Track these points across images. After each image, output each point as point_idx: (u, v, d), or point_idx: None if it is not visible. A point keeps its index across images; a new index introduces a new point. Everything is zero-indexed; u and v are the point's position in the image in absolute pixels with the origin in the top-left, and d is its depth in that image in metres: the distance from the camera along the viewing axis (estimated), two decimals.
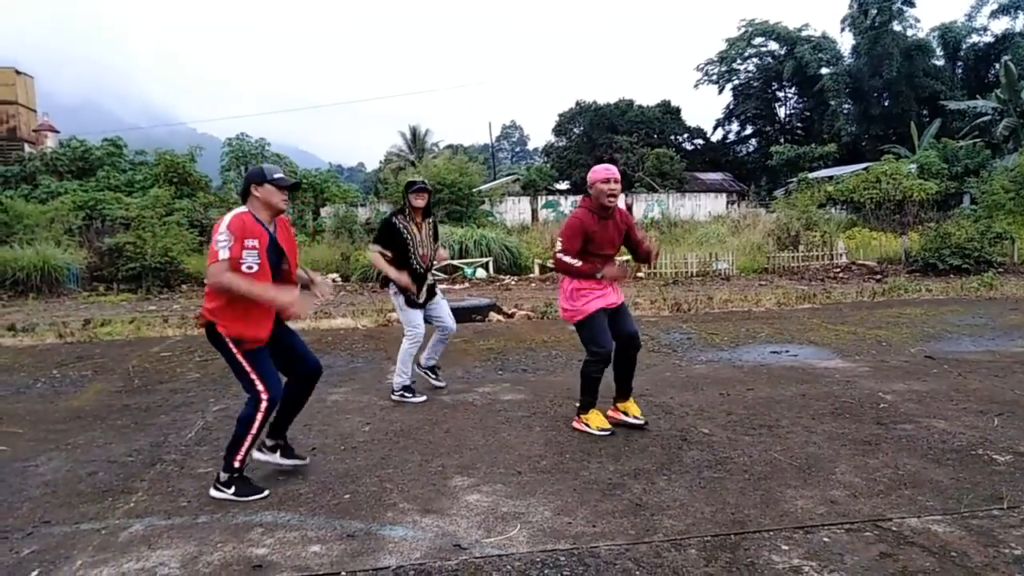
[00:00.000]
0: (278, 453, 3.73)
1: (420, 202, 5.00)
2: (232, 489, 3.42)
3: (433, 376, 5.40)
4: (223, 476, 3.45)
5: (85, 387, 5.79)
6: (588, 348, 4.20)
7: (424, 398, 5.12)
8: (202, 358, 6.77)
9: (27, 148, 24.79)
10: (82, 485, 3.64)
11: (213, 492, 3.44)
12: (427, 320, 5.16)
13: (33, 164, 22.16)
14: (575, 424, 4.35)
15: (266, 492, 3.45)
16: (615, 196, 4.17)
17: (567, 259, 4.15)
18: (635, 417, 4.38)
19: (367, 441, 4.24)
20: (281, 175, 3.47)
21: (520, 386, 5.51)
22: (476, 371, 6.10)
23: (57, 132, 26.29)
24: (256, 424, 3.42)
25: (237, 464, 3.43)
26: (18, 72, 25.95)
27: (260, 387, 3.41)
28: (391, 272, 4.92)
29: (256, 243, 3.33)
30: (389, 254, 4.97)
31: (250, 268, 3.30)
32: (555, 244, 4.26)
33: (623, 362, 4.33)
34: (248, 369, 3.42)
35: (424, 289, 5.08)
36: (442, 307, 5.23)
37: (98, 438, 4.42)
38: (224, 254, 3.23)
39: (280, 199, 3.45)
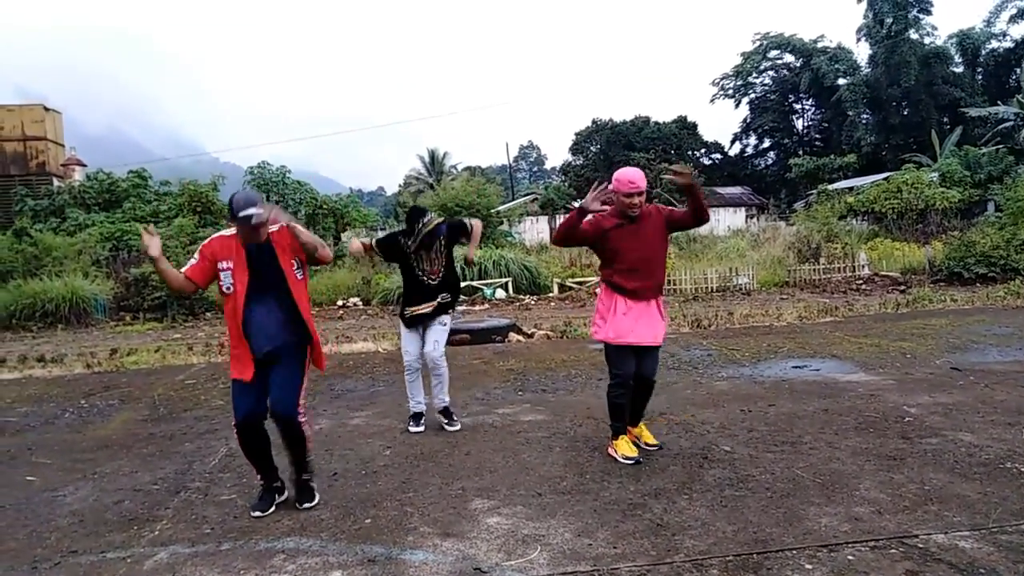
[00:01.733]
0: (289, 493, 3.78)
1: (431, 240, 4.82)
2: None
3: (446, 421, 4.99)
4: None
5: (112, 416, 5.89)
6: (610, 370, 4.14)
7: (421, 428, 4.91)
8: (226, 385, 6.84)
9: (55, 182, 25.45)
10: (108, 514, 3.70)
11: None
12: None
13: (62, 198, 22.72)
14: (608, 450, 4.21)
15: (268, 512, 3.58)
16: (637, 208, 3.93)
17: (557, 238, 4.13)
18: (647, 444, 4.25)
19: (388, 465, 4.26)
20: (248, 212, 3.31)
21: (540, 407, 5.51)
22: (496, 392, 6.11)
23: (84, 165, 26.96)
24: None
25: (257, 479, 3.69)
26: (47, 108, 26.70)
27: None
28: (354, 244, 5.01)
29: (230, 264, 3.45)
30: (367, 242, 5.02)
31: (228, 289, 3.47)
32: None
33: (634, 397, 4.18)
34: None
35: (434, 305, 4.81)
36: (432, 331, 4.86)
37: (124, 467, 4.49)
38: (185, 267, 3.54)
39: (245, 233, 3.40)
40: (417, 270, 4.83)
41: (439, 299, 4.85)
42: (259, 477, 3.69)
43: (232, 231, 3.52)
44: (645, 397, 4.26)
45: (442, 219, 5.00)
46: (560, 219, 28.43)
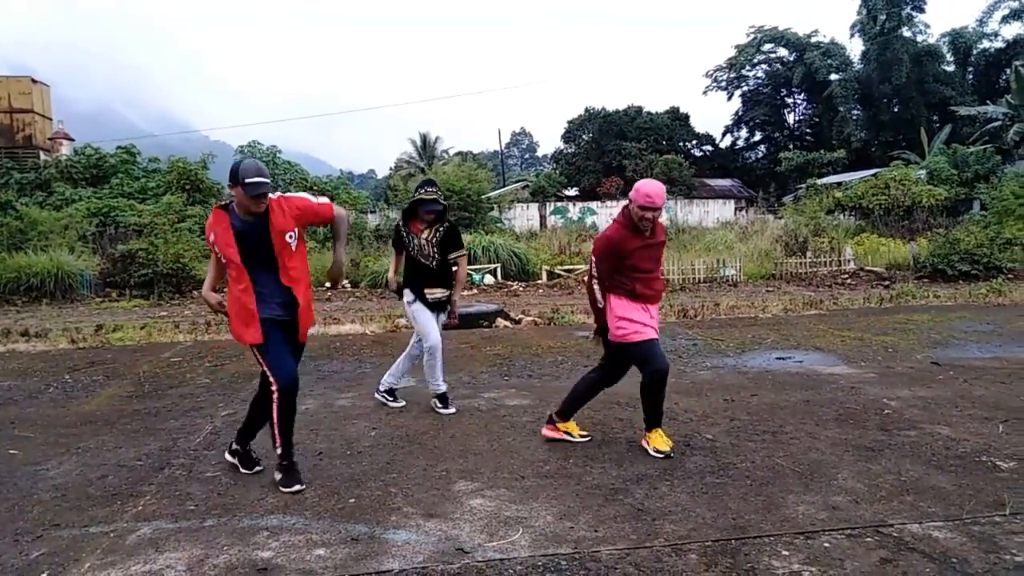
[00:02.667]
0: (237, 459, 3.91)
1: (431, 218, 4.85)
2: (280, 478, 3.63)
3: (442, 406, 4.99)
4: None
5: (96, 392, 5.87)
6: (649, 368, 3.93)
7: (403, 403, 5.14)
8: (212, 364, 6.85)
9: (42, 156, 25.10)
10: (91, 489, 3.70)
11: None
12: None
13: (48, 171, 22.43)
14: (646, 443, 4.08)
15: (297, 487, 3.58)
16: (649, 224, 3.90)
17: (596, 290, 3.98)
18: (655, 449, 4.04)
19: (373, 446, 4.28)
20: (255, 179, 3.34)
21: (525, 392, 5.55)
22: (482, 377, 6.14)
23: (72, 140, 26.61)
24: (276, 419, 3.58)
25: (277, 449, 3.64)
26: (34, 81, 26.29)
27: (271, 377, 3.56)
28: (389, 272, 5.18)
29: (214, 237, 3.49)
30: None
31: (223, 260, 3.52)
32: (589, 263, 4.06)
33: (650, 392, 4.08)
34: (260, 361, 3.61)
35: (446, 293, 4.94)
36: (439, 317, 5.02)
37: (108, 442, 4.48)
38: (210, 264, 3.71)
39: (251, 203, 3.39)
40: (416, 253, 4.86)
41: (443, 290, 4.94)
42: (280, 452, 3.62)
43: (222, 204, 3.53)
44: (662, 391, 4.07)
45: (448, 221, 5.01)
46: (551, 207, 28.44)
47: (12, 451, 4.35)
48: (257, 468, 3.86)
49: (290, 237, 3.49)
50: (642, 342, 3.93)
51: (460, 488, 3.57)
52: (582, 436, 4.27)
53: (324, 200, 3.68)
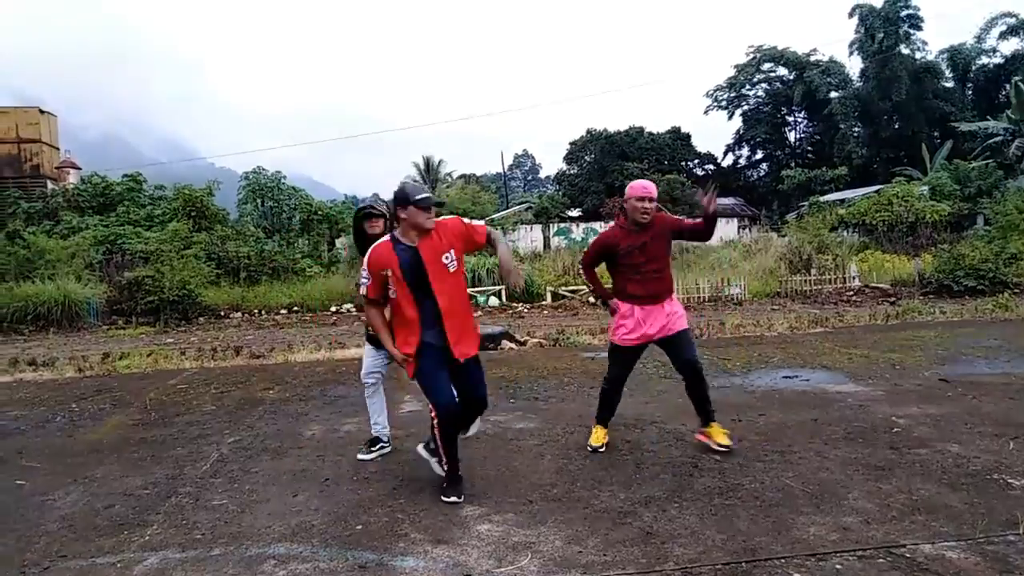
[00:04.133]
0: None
1: (376, 230, 4.39)
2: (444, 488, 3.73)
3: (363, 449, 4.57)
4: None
5: (103, 420, 5.87)
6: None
7: (368, 456, 4.49)
8: (218, 390, 6.85)
9: (49, 185, 25.35)
10: (98, 519, 3.69)
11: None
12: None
13: (55, 200, 22.65)
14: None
15: (455, 499, 3.66)
16: (648, 214, 4.16)
17: (584, 274, 4.42)
18: (719, 444, 4.32)
19: (379, 471, 4.27)
20: (423, 195, 3.50)
21: (532, 414, 5.53)
22: (488, 399, 6.11)
23: (79, 169, 26.87)
24: (438, 437, 3.67)
25: (443, 468, 3.77)
26: (42, 111, 26.64)
27: (430, 403, 3.67)
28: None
29: (388, 273, 3.53)
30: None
31: (393, 295, 3.60)
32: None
33: (689, 389, 4.39)
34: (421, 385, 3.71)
35: None
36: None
37: (115, 471, 4.48)
38: (363, 290, 3.67)
39: (424, 218, 3.49)
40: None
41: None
42: (445, 465, 3.76)
43: (385, 239, 3.60)
44: (698, 386, 4.36)
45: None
46: (554, 228, 28.54)
47: (19, 481, 4.35)
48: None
49: (447, 258, 3.55)
50: (612, 345, 4.37)
51: (467, 513, 3.55)
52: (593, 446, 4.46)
53: (479, 223, 3.72)
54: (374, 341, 4.42)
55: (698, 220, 4.25)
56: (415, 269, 3.52)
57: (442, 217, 3.67)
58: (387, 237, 3.64)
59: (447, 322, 3.57)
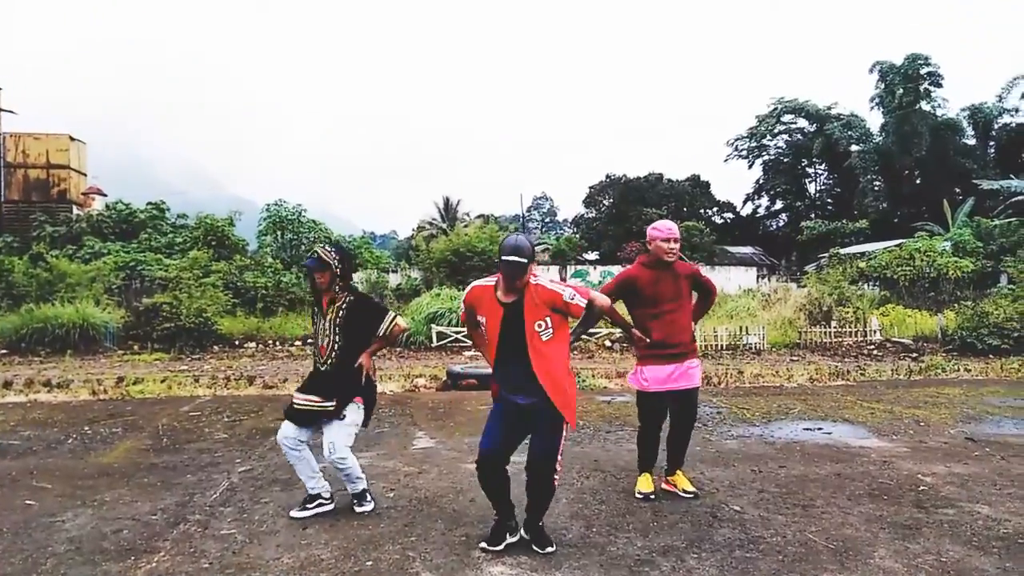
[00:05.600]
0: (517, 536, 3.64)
1: (322, 283, 3.96)
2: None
3: (356, 502, 4.14)
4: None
5: (115, 444, 5.85)
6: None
7: (304, 514, 4.00)
8: (230, 419, 6.83)
9: (75, 210, 25.90)
10: (106, 542, 3.64)
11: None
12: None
13: (79, 225, 23.09)
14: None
15: (497, 548, 3.52)
16: (672, 254, 4.24)
17: (605, 297, 4.07)
18: (685, 490, 4.39)
19: (391, 507, 4.19)
20: (507, 257, 3.29)
21: None
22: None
23: (105, 195, 27.49)
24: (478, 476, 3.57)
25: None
26: (72, 138, 27.40)
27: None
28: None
29: (483, 320, 3.51)
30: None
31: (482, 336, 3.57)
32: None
33: (675, 437, 4.45)
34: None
35: (308, 392, 3.99)
36: (325, 430, 3.97)
37: (124, 495, 4.44)
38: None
39: (505, 279, 3.37)
40: (313, 341, 4.08)
41: (322, 395, 3.94)
42: (495, 512, 3.63)
43: (492, 279, 3.53)
44: (685, 438, 4.46)
45: (357, 292, 4.12)
46: (571, 270, 28.57)
47: (29, 501, 4.32)
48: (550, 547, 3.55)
49: (539, 327, 3.38)
50: (638, 393, 4.41)
51: (479, 554, 3.47)
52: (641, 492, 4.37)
53: (578, 302, 3.42)
54: (296, 417, 3.97)
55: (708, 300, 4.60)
56: (511, 325, 3.40)
57: (543, 282, 3.43)
58: (491, 280, 3.51)
59: (541, 383, 3.40)
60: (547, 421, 3.47)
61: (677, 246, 4.26)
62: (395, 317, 4.08)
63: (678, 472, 4.47)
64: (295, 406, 3.98)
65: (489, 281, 3.53)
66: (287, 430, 3.98)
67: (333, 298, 3.97)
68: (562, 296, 3.40)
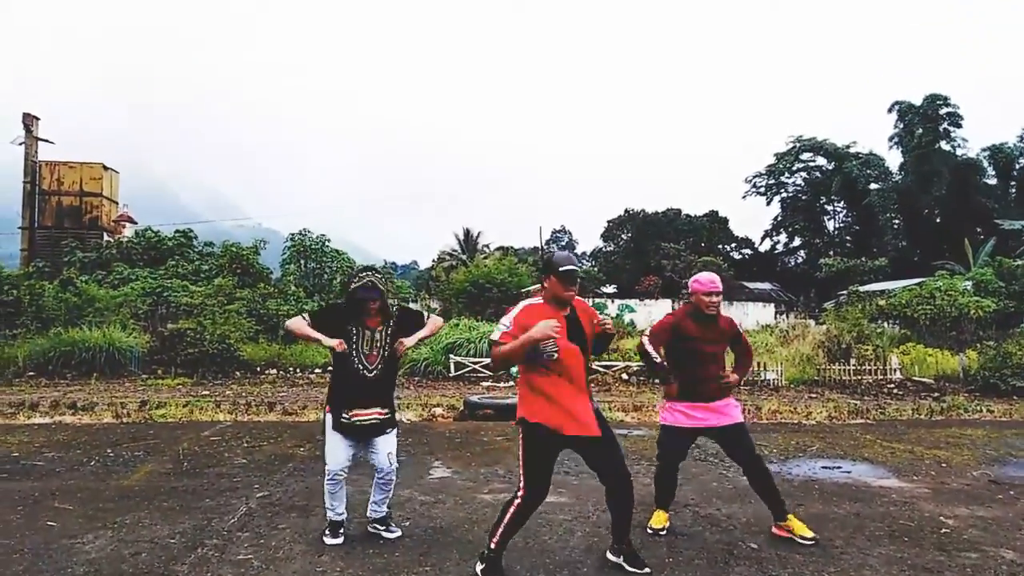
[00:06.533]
0: (621, 557, 3.68)
1: (374, 307, 4.05)
2: (482, 567, 3.53)
3: (383, 528, 4.24)
4: (484, 552, 3.56)
5: (136, 467, 5.93)
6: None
7: (339, 540, 4.09)
8: (250, 444, 6.89)
9: (106, 237, 26.50)
10: (124, 565, 3.70)
11: (478, 566, 3.54)
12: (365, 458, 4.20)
13: (109, 252, 23.60)
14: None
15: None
16: (715, 307, 4.31)
17: (647, 344, 4.26)
18: (801, 537, 4.19)
19: (406, 536, 4.21)
20: (568, 267, 3.44)
21: (562, 488, 5.42)
22: (518, 471, 6.00)
23: (135, 223, 28.13)
24: (509, 514, 3.51)
25: (492, 545, 3.53)
26: (105, 168, 28.17)
27: (521, 483, 3.54)
28: (311, 333, 3.98)
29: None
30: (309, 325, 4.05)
31: (550, 357, 3.40)
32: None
33: (753, 482, 4.35)
34: (521, 460, 3.56)
35: (368, 406, 4.03)
36: (381, 440, 4.11)
37: (144, 518, 4.50)
38: (496, 335, 3.41)
39: (562, 290, 3.45)
40: (353, 353, 4.03)
41: (381, 405, 4.07)
42: (493, 548, 3.52)
43: (538, 300, 3.55)
44: (763, 477, 4.35)
45: (395, 304, 4.38)
46: (589, 303, 28.54)
47: (50, 523, 4.40)
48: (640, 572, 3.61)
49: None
50: (663, 426, 4.42)
51: None
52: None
53: (607, 320, 3.72)
54: (343, 429, 4.02)
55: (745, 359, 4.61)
56: (576, 334, 3.47)
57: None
58: (536, 300, 3.56)
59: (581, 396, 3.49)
60: (605, 428, 3.57)
61: (719, 299, 4.31)
62: (436, 318, 4.37)
63: (789, 516, 4.28)
64: (359, 423, 4.00)
65: (535, 300, 3.57)
66: (340, 457, 4.03)
67: (383, 315, 4.09)
68: (597, 314, 3.67)
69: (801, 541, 4.13)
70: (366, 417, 4.01)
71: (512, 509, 3.49)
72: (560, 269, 3.43)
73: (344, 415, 3.99)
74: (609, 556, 3.76)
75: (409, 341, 4.13)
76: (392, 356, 4.12)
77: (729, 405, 4.34)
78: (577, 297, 3.59)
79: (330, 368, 4.14)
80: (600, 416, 3.56)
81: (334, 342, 3.93)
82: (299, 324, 4.02)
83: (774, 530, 4.31)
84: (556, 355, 3.38)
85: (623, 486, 3.51)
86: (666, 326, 4.34)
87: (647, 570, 3.59)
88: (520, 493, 3.50)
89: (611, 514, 3.67)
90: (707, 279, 4.33)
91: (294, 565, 3.71)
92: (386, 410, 4.10)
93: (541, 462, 3.49)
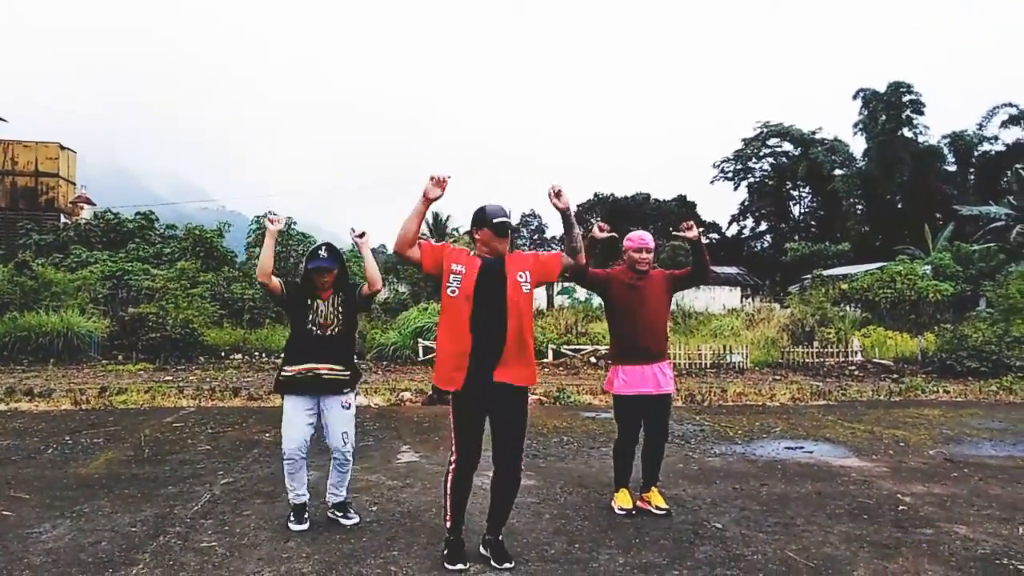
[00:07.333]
0: (489, 551, 3.56)
1: (328, 279, 4.06)
2: (443, 549, 3.51)
3: (341, 515, 4.15)
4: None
5: (96, 455, 5.79)
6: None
7: (304, 526, 4.01)
8: (214, 431, 6.78)
9: (63, 219, 25.70)
10: (84, 555, 3.61)
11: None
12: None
13: (66, 234, 22.90)
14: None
15: (460, 567, 3.41)
16: (645, 264, 4.36)
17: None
18: (658, 507, 4.39)
19: (374, 521, 4.18)
20: (501, 219, 3.41)
21: (530, 472, 5.43)
22: (486, 455, 6.02)
23: (93, 204, 27.31)
24: (448, 484, 3.50)
25: (446, 523, 3.52)
26: (62, 147, 27.27)
27: (452, 447, 3.52)
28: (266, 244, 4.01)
29: (462, 269, 3.40)
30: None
31: (452, 293, 3.40)
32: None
33: (648, 453, 4.49)
34: (452, 425, 3.53)
35: (321, 362, 3.97)
36: (334, 417, 4.06)
37: (104, 507, 4.40)
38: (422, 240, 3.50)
39: (499, 243, 3.43)
40: (308, 324, 4.01)
41: (335, 362, 4.00)
42: (448, 527, 3.53)
43: (469, 251, 3.53)
44: (659, 453, 4.51)
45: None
46: (558, 287, 28.65)
47: (5, 512, 4.27)
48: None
49: (521, 276, 3.45)
50: (614, 398, 4.45)
51: (462, 569, 3.46)
52: (622, 508, 4.38)
53: (551, 254, 3.70)
54: (296, 387, 3.98)
55: (686, 268, 4.52)
56: (492, 278, 3.38)
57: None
58: (469, 251, 3.55)
59: (510, 342, 3.37)
60: (521, 402, 3.53)
61: (650, 256, 4.39)
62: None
63: (653, 489, 4.49)
64: (311, 375, 3.95)
65: (466, 249, 3.59)
66: (295, 436, 3.97)
67: (336, 287, 4.09)
68: (537, 253, 3.66)
69: (656, 511, 4.32)
70: (321, 370, 3.96)
71: (448, 478, 3.54)
72: (494, 221, 3.40)
73: (287, 370, 3.98)
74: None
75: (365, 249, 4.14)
76: (348, 323, 4.10)
77: (667, 371, 4.39)
78: (521, 252, 3.62)
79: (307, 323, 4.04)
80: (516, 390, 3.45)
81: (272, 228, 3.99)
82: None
83: (638, 502, 4.43)
84: (456, 292, 3.39)
85: (510, 472, 3.54)
86: (603, 272, 4.47)
87: (508, 565, 3.48)
88: (452, 458, 3.54)
89: (492, 497, 3.62)
90: (637, 236, 4.41)
91: (259, 552, 3.66)
92: (341, 367, 4.03)
93: (459, 423, 3.50)
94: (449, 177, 3.39)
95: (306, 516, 4.08)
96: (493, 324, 3.35)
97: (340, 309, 4.07)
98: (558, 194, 3.47)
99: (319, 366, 3.97)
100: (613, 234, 4.27)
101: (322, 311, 4.01)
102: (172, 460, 5.62)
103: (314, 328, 3.99)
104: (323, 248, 4.10)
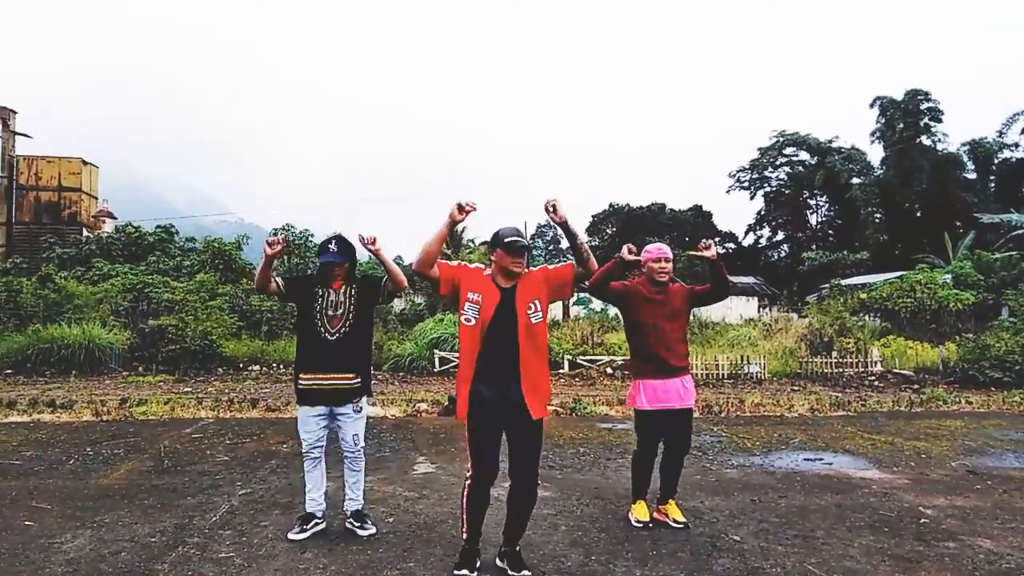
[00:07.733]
0: (506, 562, 3.59)
1: (339, 272, 4.10)
2: (458, 561, 3.54)
3: (358, 525, 4.16)
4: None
5: (116, 465, 5.86)
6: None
7: (304, 536, 4.05)
8: (232, 441, 6.83)
9: (85, 232, 26.13)
10: (104, 565, 3.65)
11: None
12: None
13: (88, 247, 23.27)
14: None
15: (465, 572, 3.46)
16: (665, 273, 4.36)
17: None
18: (675, 520, 4.37)
19: (390, 533, 4.19)
20: (512, 238, 3.43)
21: (547, 483, 5.41)
22: (502, 466, 6.02)
23: (115, 218, 27.74)
24: (465, 498, 3.54)
25: (463, 536, 3.57)
26: (85, 162, 27.75)
27: (469, 463, 3.53)
28: (263, 264, 3.99)
29: (479, 298, 3.44)
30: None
31: (468, 321, 3.44)
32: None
33: (668, 465, 4.47)
34: (468, 441, 3.53)
35: (328, 371, 4.00)
36: (348, 423, 4.11)
37: (124, 517, 4.45)
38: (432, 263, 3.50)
39: (511, 262, 3.45)
40: (317, 316, 4.02)
41: (344, 371, 4.01)
42: (465, 538, 3.59)
43: (484, 269, 3.57)
44: (678, 466, 4.49)
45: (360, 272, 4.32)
46: (573, 297, 28.62)
47: (28, 522, 4.33)
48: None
49: (531, 308, 3.46)
50: (635, 412, 4.43)
51: None
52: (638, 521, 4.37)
53: (561, 265, 3.70)
54: (304, 396, 4.05)
55: (706, 285, 4.50)
56: (506, 311, 3.42)
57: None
58: (484, 269, 3.58)
59: (523, 371, 3.42)
60: (536, 426, 3.53)
61: (669, 266, 4.38)
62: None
63: (670, 502, 4.46)
64: (318, 387, 4.00)
65: (480, 267, 3.60)
66: (310, 430, 4.08)
67: (347, 279, 4.11)
68: (546, 267, 3.64)
69: (674, 525, 4.30)
70: (325, 382, 3.99)
71: (464, 492, 3.56)
72: (505, 240, 3.43)
73: (302, 380, 4.03)
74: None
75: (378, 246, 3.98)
76: (360, 321, 4.07)
77: (688, 385, 4.38)
78: (533, 269, 3.62)
79: (316, 318, 4.06)
80: (523, 407, 3.44)
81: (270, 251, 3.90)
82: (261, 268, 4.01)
83: (655, 514, 4.43)
84: (473, 322, 3.42)
85: (526, 487, 3.54)
86: (624, 285, 4.43)
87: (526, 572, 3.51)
88: (468, 474, 3.55)
89: (508, 511, 3.64)
90: (655, 247, 4.43)
91: (276, 563, 3.68)
92: (351, 375, 4.03)
93: (475, 441, 3.50)
94: (475, 207, 3.41)
95: (308, 527, 4.10)
96: (507, 354, 3.41)
97: (352, 300, 4.07)
98: (554, 208, 3.48)
99: (328, 377, 4.00)
100: (639, 258, 4.25)
101: (332, 300, 4.04)
102: (191, 471, 5.67)
103: (321, 327, 4.00)
104: (332, 242, 4.15)
